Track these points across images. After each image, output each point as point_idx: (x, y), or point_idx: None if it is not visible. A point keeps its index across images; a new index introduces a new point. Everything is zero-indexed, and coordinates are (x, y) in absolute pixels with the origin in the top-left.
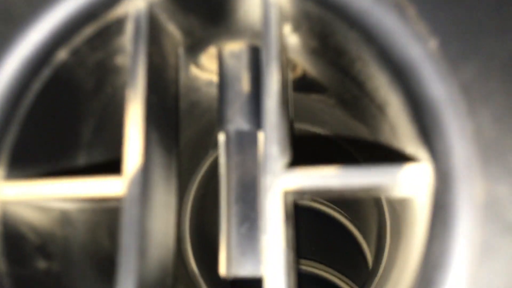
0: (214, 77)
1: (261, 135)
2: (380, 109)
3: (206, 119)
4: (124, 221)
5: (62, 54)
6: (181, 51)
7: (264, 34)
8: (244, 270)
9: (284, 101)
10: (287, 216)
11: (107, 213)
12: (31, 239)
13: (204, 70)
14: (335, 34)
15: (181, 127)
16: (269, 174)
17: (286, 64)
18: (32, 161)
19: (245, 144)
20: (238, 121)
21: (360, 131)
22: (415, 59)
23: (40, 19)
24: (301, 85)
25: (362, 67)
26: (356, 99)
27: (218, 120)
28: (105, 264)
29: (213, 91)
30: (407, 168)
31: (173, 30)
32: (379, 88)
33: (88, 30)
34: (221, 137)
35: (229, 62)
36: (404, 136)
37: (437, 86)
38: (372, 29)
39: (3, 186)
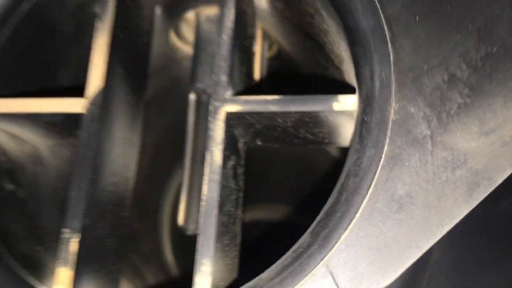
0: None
1: None
2: (336, 62)
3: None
4: (82, 136)
5: None
6: (159, 10)
7: None
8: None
9: (240, 45)
10: (232, 140)
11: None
12: (1, 161)
13: (184, 41)
14: None
15: (161, 106)
16: (216, 101)
17: (251, 18)
18: (10, 84)
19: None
20: (207, 81)
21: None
22: None
23: None
24: (278, 65)
25: (319, 22)
26: (324, 69)
27: (190, 81)
28: None
29: None
30: (338, 97)
31: None
32: (332, 36)
33: None
34: (191, 97)
35: (205, 26)
36: (350, 75)
37: (366, 19)
38: None
39: None
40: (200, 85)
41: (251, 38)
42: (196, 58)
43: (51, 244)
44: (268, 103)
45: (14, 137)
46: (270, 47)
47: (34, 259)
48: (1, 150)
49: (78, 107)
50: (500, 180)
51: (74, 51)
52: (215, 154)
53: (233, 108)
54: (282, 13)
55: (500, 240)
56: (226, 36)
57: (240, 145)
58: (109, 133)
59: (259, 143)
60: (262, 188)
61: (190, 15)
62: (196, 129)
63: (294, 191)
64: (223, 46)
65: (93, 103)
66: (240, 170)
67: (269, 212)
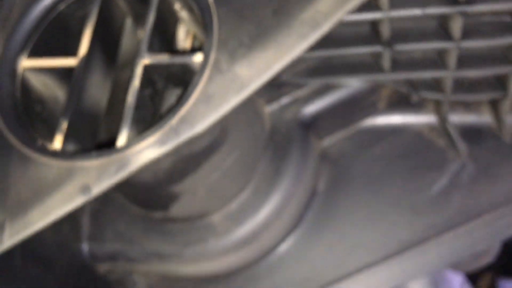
0: None
1: None
2: None
3: None
4: (73, 80)
5: (62, 6)
6: (129, 19)
7: None
8: None
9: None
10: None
11: None
12: (34, 94)
13: None
14: None
15: None
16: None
17: None
18: (41, 54)
19: None
20: None
21: None
22: None
23: None
24: None
25: None
26: None
27: None
28: None
29: None
30: (194, 54)
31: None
32: None
33: None
34: None
35: None
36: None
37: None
38: None
39: (26, 60)
40: None
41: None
42: None
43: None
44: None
45: (43, 84)
46: None
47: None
48: (33, 88)
49: (73, 62)
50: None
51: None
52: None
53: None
54: None
55: None
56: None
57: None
58: (90, 79)
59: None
60: None
61: None
62: None
63: None
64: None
65: (81, 60)
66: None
67: None
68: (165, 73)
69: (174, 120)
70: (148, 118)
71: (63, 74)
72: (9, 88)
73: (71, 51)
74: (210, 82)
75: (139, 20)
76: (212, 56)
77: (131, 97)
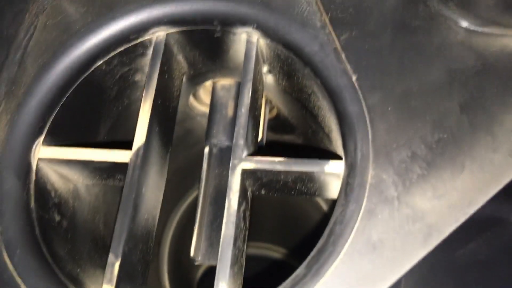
0: (207, 110)
1: None
2: (325, 131)
3: (197, 149)
4: (127, 181)
5: (99, 63)
6: (185, 79)
7: (244, 64)
8: (209, 259)
9: (252, 115)
10: (244, 190)
11: (105, 201)
12: (52, 196)
13: (200, 102)
14: (296, 72)
15: (174, 153)
16: (235, 159)
17: (261, 92)
18: (64, 135)
19: (224, 158)
20: (220, 137)
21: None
22: (343, 87)
23: (91, 34)
24: (276, 125)
25: (315, 100)
26: (315, 133)
27: (205, 137)
28: (99, 243)
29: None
30: (329, 162)
31: (181, 59)
32: (324, 111)
33: (121, 49)
34: (206, 150)
35: (220, 93)
36: (337, 143)
37: (352, 106)
38: (317, 66)
39: (42, 149)
40: (213, 140)
41: (260, 108)
42: (211, 118)
43: (87, 266)
44: (275, 163)
45: (62, 176)
46: (270, 110)
47: (77, 279)
48: (52, 187)
49: (124, 157)
50: (447, 232)
51: (113, 109)
52: (233, 201)
53: (248, 166)
54: (285, 88)
55: (456, 283)
56: (244, 110)
57: (249, 193)
58: (146, 179)
59: (263, 192)
60: (259, 229)
61: (208, 83)
62: (207, 176)
63: (286, 234)
64: (241, 117)
65: (136, 154)
66: (247, 214)
67: (264, 250)
68: (267, 182)
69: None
70: (241, 247)
71: (102, 171)
72: (17, 193)
73: (102, 131)
74: (370, 217)
75: (195, 78)
76: (369, 173)
77: (229, 226)
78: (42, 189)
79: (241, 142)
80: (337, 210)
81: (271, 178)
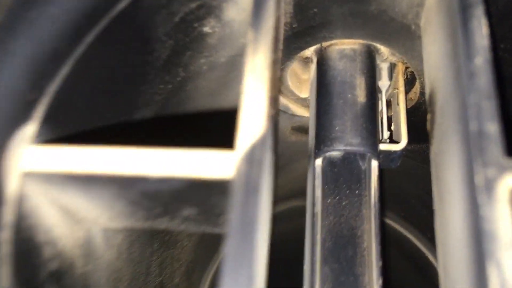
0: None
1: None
2: None
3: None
4: (231, 219)
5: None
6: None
7: None
8: None
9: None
10: None
11: (131, 258)
12: (45, 257)
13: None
14: None
15: None
16: (487, 167)
17: None
18: (72, 123)
19: (352, 173)
20: (347, 139)
21: None
22: None
23: None
24: None
25: None
26: None
27: (313, 140)
28: None
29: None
30: None
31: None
32: None
33: None
34: (317, 162)
35: (339, 64)
36: None
37: None
38: None
39: (33, 149)
40: (336, 145)
41: None
42: (321, 108)
43: None
44: None
45: (67, 213)
46: None
47: None
48: (49, 239)
49: (225, 168)
50: None
51: (160, 86)
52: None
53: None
54: None
55: None
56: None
57: None
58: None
59: None
60: None
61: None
62: (323, 208)
63: None
64: (482, 75)
65: (247, 159)
66: None
67: None
68: None
69: None
70: None
71: (167, 196)
72: None
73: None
74: None
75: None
76: None
77: None
78: (27, 242)
79: (492, 128)
80: None
81: None
